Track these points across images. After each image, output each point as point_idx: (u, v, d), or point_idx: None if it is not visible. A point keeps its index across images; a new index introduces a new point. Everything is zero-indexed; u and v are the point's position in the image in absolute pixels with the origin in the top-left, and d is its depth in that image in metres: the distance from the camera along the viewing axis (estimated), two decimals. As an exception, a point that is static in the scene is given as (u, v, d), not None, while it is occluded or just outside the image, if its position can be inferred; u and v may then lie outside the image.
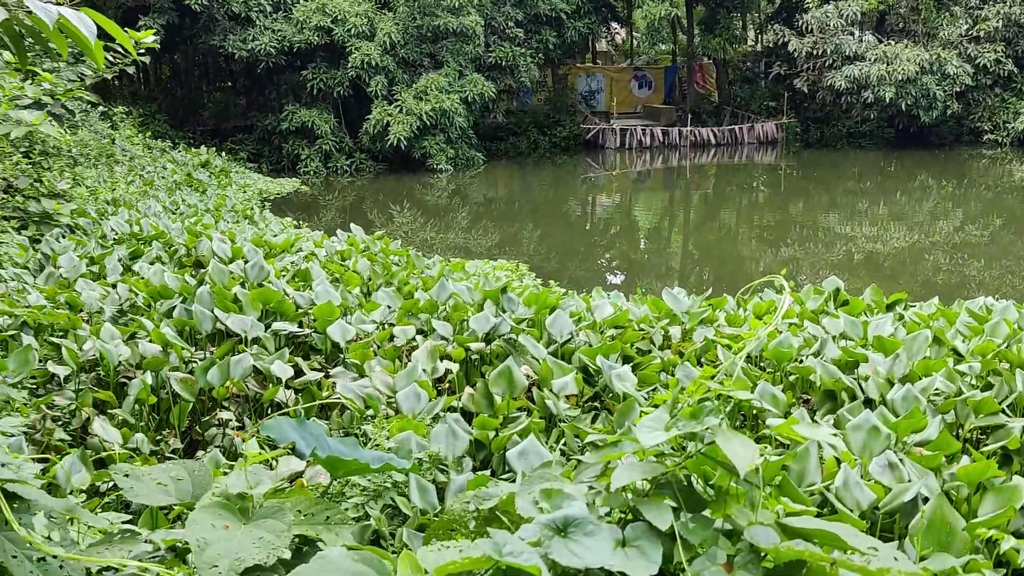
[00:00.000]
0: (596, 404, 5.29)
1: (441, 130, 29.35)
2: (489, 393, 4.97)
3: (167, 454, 5.20)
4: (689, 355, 5.63)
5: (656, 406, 4.75)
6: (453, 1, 29.28)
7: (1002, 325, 5.49)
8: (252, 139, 30.86)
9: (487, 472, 4.01)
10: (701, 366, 5.72)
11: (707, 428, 1.49)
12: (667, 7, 33.25)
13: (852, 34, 32.18)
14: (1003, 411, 4.41)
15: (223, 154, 27.06)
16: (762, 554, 1.52)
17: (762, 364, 5.64)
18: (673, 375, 5.15)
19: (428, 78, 29.40)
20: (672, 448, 1.59)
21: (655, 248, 22.81)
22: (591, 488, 1.65)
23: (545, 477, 1.74)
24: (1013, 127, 32.55)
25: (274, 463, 3.42)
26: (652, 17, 34.36)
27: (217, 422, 5.38)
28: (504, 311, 6.54)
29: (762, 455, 1.59)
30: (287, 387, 5.52)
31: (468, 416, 4.93)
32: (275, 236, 10.56)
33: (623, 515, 1.60)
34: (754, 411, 4.72)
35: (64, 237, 10.13)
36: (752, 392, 4.93)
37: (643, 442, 1.53)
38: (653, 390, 5.11)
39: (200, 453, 5.21)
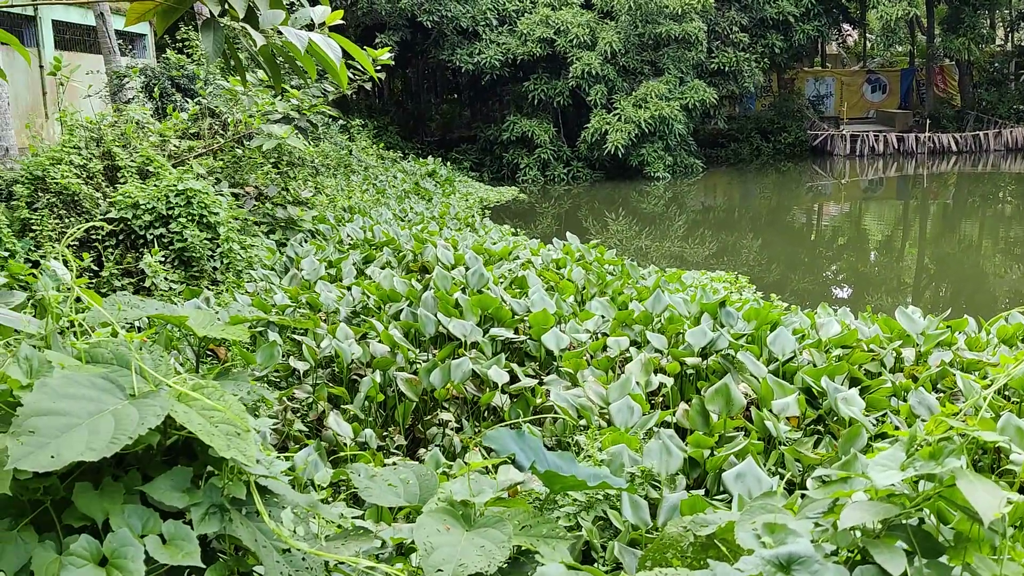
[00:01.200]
0: (819, 428, 5.05)
1: (660, 137, 29.14)
2: (705, 410, 4.87)
3: (392, 450, 5.50)
4: (924, 380, 5.26)
5: (883, 434, 4.48)
6: (677, 7, 28.98)
7: None
8: (475, 149, 32.01)
9: (701, 492, 3.94)
10: (937, 392, 5.33)
11: (948, 470, 1.38)
12: (905, 6, 31.25)
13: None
14: None
15: (448, 163, 28.24)
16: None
17: (1006, 393, 5.17)
18: (906, 401, 4.83)
19: (648, 85, 29.28)
20: (907, 488, 1.49)
21: (887, 262, 21.47)
22: (817, 525, 1.57)
23: (767, 508, 1.68)
24: None
25: (494, 472, 3.53)
26: (888, 17, 32.39)
27: (438, 422, 5.62)
28: (722, 325, 6.39)
29: (1009, 502, 1.46)
30: (503, 392, 5.68)
31: (682, 432, 4.86)
32: (494, 244, 10.89)
33: (850, 555, 1.52)
34: (995, 444, 4.34)
35: (306, 242, 10.96)
36: (996, 425, 4.54)
37: (876, 482, 1.44)
38: (883, 416, 4.81)
39: (421, 451, 5.47)
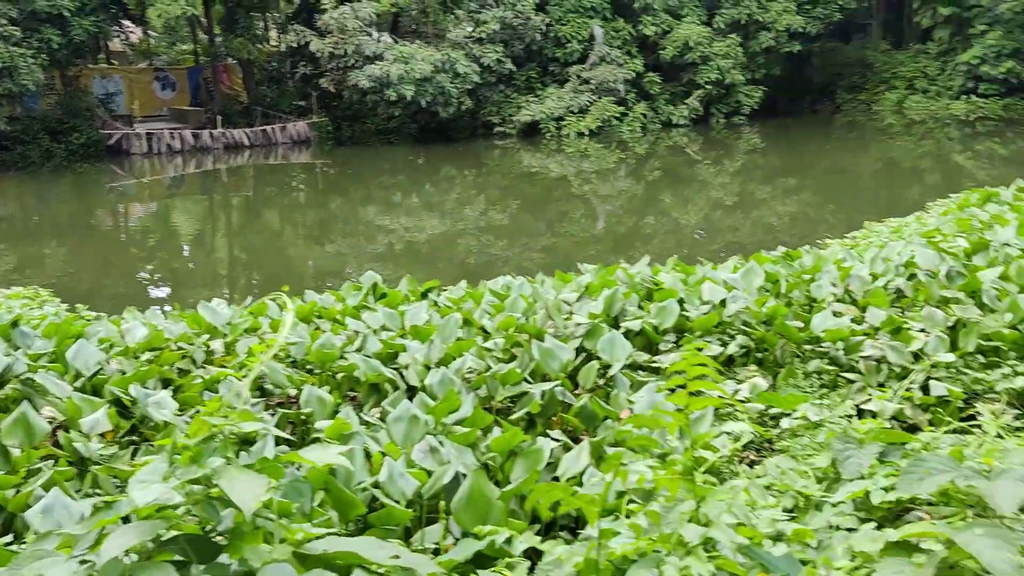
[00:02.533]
0: (135, 438, 4.86)
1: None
2: (3, 446, 4.31)
3: None
4: (233, 368, 5.41)
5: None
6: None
7: (519, 301, 6.07)
8: None
9: (9, 537, 3.47)
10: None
11: (211, 470, 1.38)
12: (182, 5, 31.81)
13: (370, 35, 33.57)
14: (525, 379, 4.87)
15: None
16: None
17: (309, 367, 5.61)
18: (217, 392, 4.92)
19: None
20: (180, 495, 1.44)
21: (200, 257, 21.84)
22: (83, 562, 1.43)
23: (37, 555, 1.49)
24: (518, 119, 36.53)
25: None
26: (168, 15, 32.68)
27: None
28: (17, 348, 5.74)
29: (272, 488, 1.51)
30: None
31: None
32: None
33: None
34: (302, 417, 4.68)
35: None
36: (301, 395, 4.90)
37: (137, 500, 1.37)
38: (196, 412, 4.83)
39: None
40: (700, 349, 2.03)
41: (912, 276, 6.67)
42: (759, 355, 5.91)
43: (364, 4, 33.16)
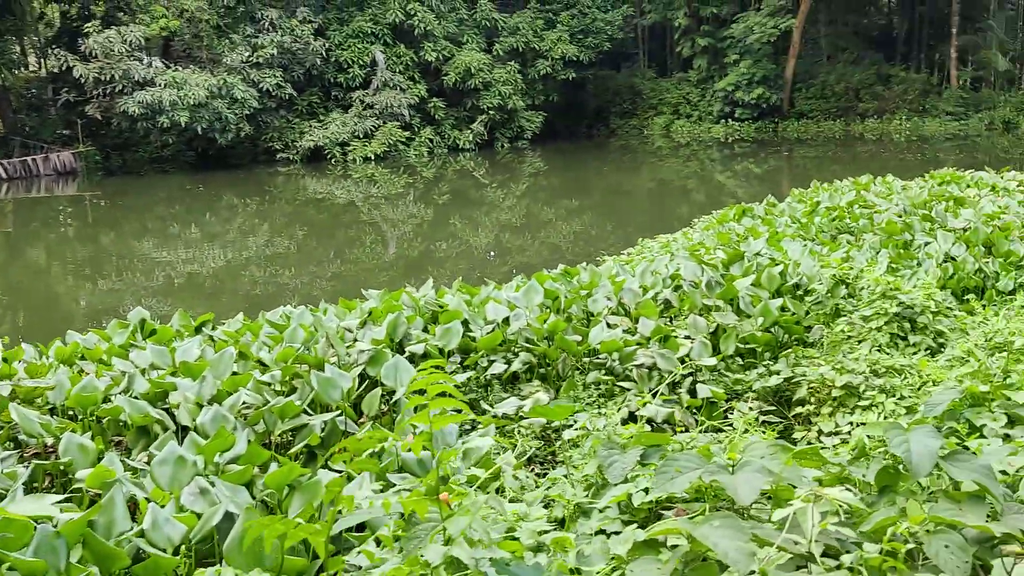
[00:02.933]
0: None
1: None
2: None
3: None
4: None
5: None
6: None
7: (299, 331, 5.92)
8: None
9: None
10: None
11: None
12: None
13: (140, 60, 31.88)
14: (305, 411, 4.74)
15: None
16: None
17: (70, 412, 5.20)
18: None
19: None
20: None
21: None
22: None
23: None
24: (301, 145, 35.84)
25: None
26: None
27: None
28: None
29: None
30: None
31: None
32: None
33: None
34: (61, 467, 4.32)
35: None
36: (60, 443, 4.52)
37: None
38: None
39: None
40: (439, 367, 2.04)
41: (678, 287, 7.10)
42: (543, 370, 6.07)
43: (132, 28, 31.45)
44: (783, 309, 6.68)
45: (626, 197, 30.91)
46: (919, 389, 4.97)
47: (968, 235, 8.39)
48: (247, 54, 34.28)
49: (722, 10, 44.41)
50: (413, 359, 5.65)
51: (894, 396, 5.28)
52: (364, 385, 5.28)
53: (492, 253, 23.00)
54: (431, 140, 38.69)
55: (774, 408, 5.71)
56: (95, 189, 32.32)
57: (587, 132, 47.78)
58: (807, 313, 6.67)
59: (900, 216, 9.61)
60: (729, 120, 44.11)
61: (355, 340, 5.85)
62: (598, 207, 29.15)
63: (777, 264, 7.34)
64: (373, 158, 36.27)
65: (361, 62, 37.52)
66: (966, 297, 7.52)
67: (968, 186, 11.78)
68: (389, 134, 36.61)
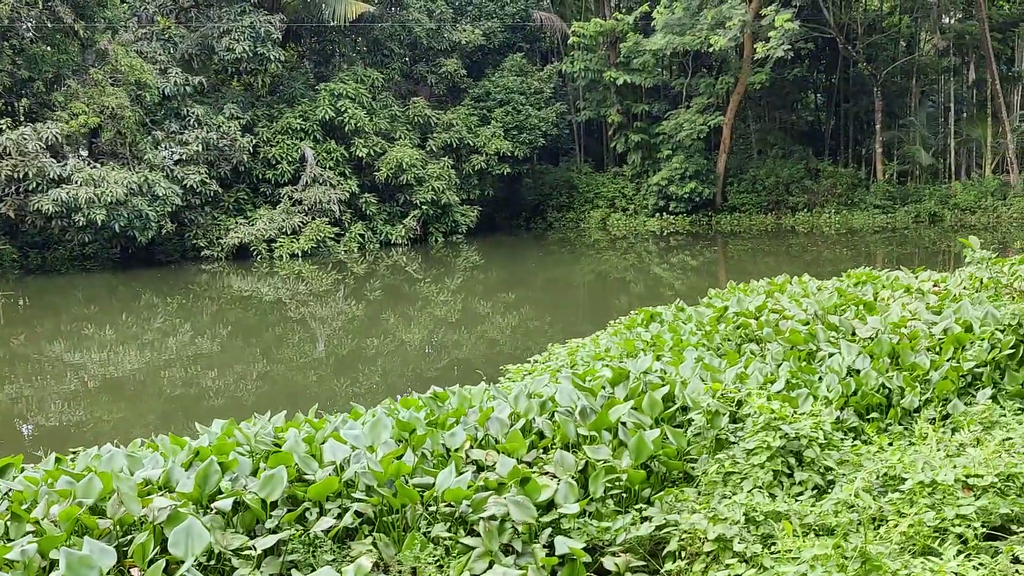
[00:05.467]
0: None
1: None
2: None
3: None
4: None
5: None
6: None
7: (95, 482, 5.06)
8: None
9: None
10: None
11: None
12: None
13: (55, 157, 31.03)
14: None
15: None
16: None
17: None
18: None
19: None
20: None
21: None
22: None
23: None
24: (225, 242, 35.01)
25: None
26: None
27: None
28: None
29: None
30: None
31: None
32: None
33: None
34: None
35: None
36: None
37: None
38: None
39: None
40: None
41: (553, 415, 6.42)
42: (387, 519, 5.28)
43: (49, 125, 30.68)
44: (665, 438, 6.01)
45: (565, 289, 30.49)
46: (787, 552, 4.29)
47: (872, 346, 7.87)
48: (171, 150, 33.66)
49: (653, 108, 45.16)
50: (225, 516, 4.84)
51: (773, 546, 4.62)
52: (155, 553, 4.45)
53: (428, 349, 22.17)
54: (362, 235, 38.14)
55: (644, 564, 4.98)
56: (10, 288, 31.01)
57: (525, 225, 47.75)
58: (689, 444, 5.99)
59: (806, 324, 9.10)
60: (664, 214, 44.42)
61: (160, 492, 5.03)
62: (536, 300, 28.64)
63: (663, 385, 6.69)
64: (300, 254, 35.55)
65: (290, 158, 37.12)
66: (870, 416, 6.95)
67: (883, 287, 11.39)
68: (318, 230, 36.00)
